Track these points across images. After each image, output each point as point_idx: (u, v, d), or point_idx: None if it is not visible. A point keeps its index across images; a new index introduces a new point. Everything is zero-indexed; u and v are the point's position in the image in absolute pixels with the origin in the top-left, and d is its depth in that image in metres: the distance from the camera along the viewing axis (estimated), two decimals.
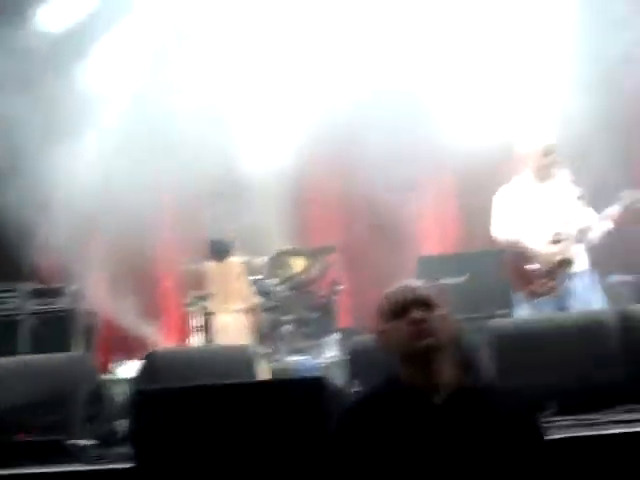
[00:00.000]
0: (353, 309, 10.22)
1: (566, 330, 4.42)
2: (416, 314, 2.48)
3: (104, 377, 8.46)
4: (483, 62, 9.36)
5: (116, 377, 8.86)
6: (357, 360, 4.69)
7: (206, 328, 9.04)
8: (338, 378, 7.00)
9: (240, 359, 4.83)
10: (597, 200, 6.09)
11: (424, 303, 2.51)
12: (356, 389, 4.50)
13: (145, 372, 4.75)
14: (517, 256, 6.20)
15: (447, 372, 2.50)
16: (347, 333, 9.37)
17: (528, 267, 6.03)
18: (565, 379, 4.16)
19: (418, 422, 2.43)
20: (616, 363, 4.38)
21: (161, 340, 10.42)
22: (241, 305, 8.42)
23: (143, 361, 4.93)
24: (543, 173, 6.16)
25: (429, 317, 2.48)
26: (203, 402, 3.27)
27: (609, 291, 8.12)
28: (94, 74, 9.85)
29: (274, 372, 8.18)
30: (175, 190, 9.34)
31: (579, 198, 5.75)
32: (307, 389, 3.26)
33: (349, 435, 2.50)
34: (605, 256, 6.16)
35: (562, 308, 5.90)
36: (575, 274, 6.03)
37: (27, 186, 9.05)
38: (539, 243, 6.09)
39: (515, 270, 6.15)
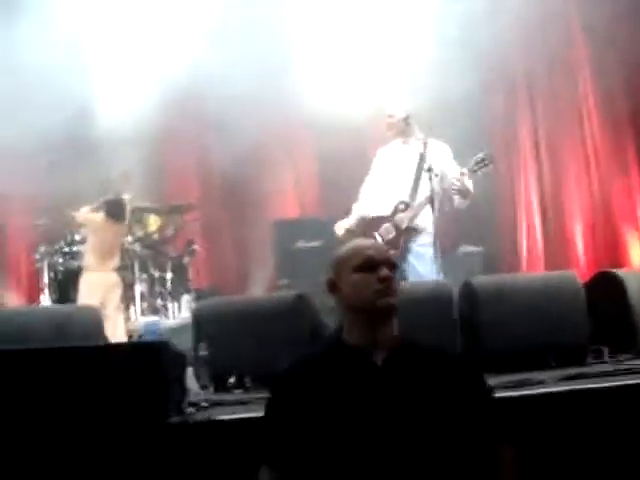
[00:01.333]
0: (208, 270, 10.18)
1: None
2: (386, 272, 2.50)
3: None
4: (345, 32, 9.39)
5: None
6: (203, 323, 4.60)
7: (65, 285, 8.78)
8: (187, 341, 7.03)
9: (87, 320, 4.68)
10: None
11: (390, 262, 2.55)
12: (202, 352, 4.45)
13: None
14: (365, 222, 6.27)
15: (391, 332, 2.53)
16: (201, 294, 9.36)
17: (374, 234, 6.09)
18: None
19: (360, 382, 2.44)
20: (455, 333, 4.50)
21: (11, 298, 10.12)
22: (116, 263, 8.15)
23: None
24: (404, 138, 6.24)
25: (394, 278, 2.53)
26: (34, 365, 3.14)
27: (459, 260, 8.45)
28: None
29: (127, 332, 8.10)
30: (30, 142, 8.94)
31: (426, 170, 5.83)
32: (146, 353, 3.18)
33: (286, 397, 2.48)
34: (456, 227, 6.27)
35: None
36: (417, 243, 6.11)
37: None
38: (386, 210, 6.15)
39: (363, 236, 6.19)
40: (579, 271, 9.26)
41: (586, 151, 9.85)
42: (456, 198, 6.08)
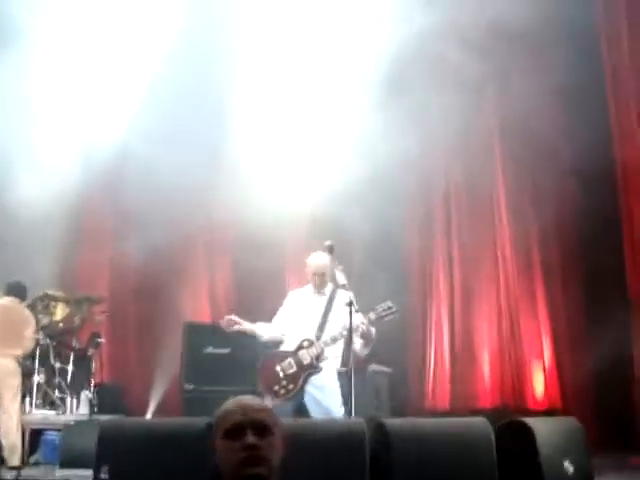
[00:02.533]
0: (112, 365, 9.91)
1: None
2: (251, 439, 2.39)
3: None
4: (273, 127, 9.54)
5: None
6: (107, 444, 4.40)
7: None
8: (82, 439, 6.77)
9: None
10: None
11: (261, 427, 2.43)
12: (104, 476, 4.25)
13: None
14: (269, 356, 6.40)
15: None
16: (103, 389, 9.10)
17: (276, 368, 6.21)
18: None
19: None
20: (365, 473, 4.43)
21: None
22: (18, 352, 7.80)
23: None
24: (317, 288, 6.45)
25: (262, 444, 2.40)
26: None
27: (369, 378, 8.49)
28: None
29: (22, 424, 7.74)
30: None
31: (347, 304, 5.95)
32: None
33: None
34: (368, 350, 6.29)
35: (298, 408, 6.10)
36: (317, 377, 6.22)
37: None
38: (291, 347, 6.31)
39: (265, 369, 6.28)
40: (484, 396, 9.44)
41: (498, 278, 10.09)
42: (358, 343, 6.20)
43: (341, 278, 6.11)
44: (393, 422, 4.72)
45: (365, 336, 6.13)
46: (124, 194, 9.21)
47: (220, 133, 9.48)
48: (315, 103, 9.37)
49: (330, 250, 6.24)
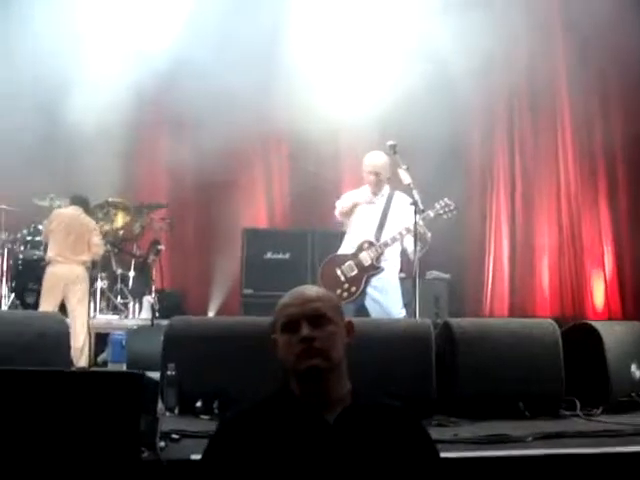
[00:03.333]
0: (172, 272, 10.02)
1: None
2: (306, 331, 2.33)
3: None
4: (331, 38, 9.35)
5: None
6: (174, 342, 4.46)
7: (24, 274, 8.57)
8: (146, 342, 6.90)
9: (47, 328, 4.53)
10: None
11: (317, 318, 2.37)
12: (171, 372, 4.32)
13: None
14: (330, 259, 6.44)
15: (338, 390, 2.38)
16: (163, 295, 9.22)
17: (337, 271, 6.24)
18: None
19: (310, 439, 2.30)
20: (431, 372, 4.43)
21: None
22: (85, 258, 7.94)
23: None
24: (373, 189, 6.40)
25: (320, 335, 2.34)
26: (8, 386, 2.99)
27: (427, 284, 8.46)
28: None
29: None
30: (6, 128, 8.75)
31: (411, 203, 5.89)
32: (122, 384, 3.04)
33: (230, 444, 2.33)
34: (423, 257, 6.26)
35: (359, 311, 6.12)
36: (378, 279, 6.23)
37: None
38: (350, 249, 6.31)
39: (325, 273, 6.35)
40: (543, 305, 9.38)
41: (559, 187, 9.94)
42: (411, 246, 6.15)
43: (406, 177, 6.03)
44: (459, 322, 4.70)
45: (421, 238, 6.07)
46: (179, 102, 9.11)
47: (275, 37, 9.32)
48: (378, 3, 9.15)
49: (393, 150, 6.15)
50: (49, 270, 7.77)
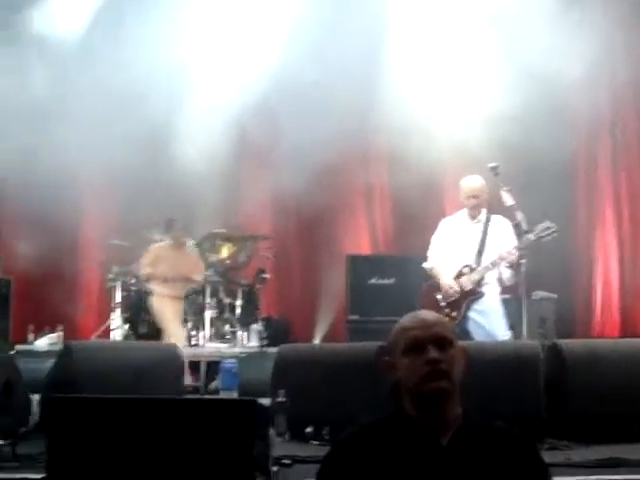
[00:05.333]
0: (277, 300, 10.16)
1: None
2: (433, 354, 2.36)
3: (20, 347, 8.31)
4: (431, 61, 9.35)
5: (32, 349, 8.69)
6: (284, 368, 4.56)
7: (136, 305, 8.90)
8: (255, 369, 7.02)
9: (163, 357, 4.68)
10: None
11: (441, 341, 2.39)
12: (281, 399, 4.41)
13: (62, 365, 4.59)
14: (430, 285, 6.46)
15: (453, 412, 2.40)
16: (270, 322, 9.35)
17: (437, 297, 6.27)
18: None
19: (424, 461, 2.32)
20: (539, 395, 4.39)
21: (80, 313, 10.26)
22: (186, 287, 8.23)
23: (60, 353, 4.75)
24: (471, 213, 6.41)
25: (444, 358, 2.37)
26: (123, 415, 3.12)
27: (533, 305, 8.33)
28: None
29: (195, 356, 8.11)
30: (105, 167, 9.08)
31: (514, 225, 5.88)
32: (237, 411, 3.13)
33: (343, 465, 2.36)
34: (529, 277, 6.20)
35: (460, 335, 6.08)
36: (479, 303, 6.21)
37: None
38: (450, 274, 6.31)
39: (425, 298, 6.37)
40: None
41: None
42: (506, 272, 6.18)
43: (508, 199, 6.00)
44: (568, 343, 4.64)
45: (514, 266, 6.07)
46: (280, 130, 9.29)
47: (375, 57, 9.37)
48: (479, 15, 9.12)
49: (494, 171, 6.13)
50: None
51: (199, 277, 8.54)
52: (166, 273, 8.32)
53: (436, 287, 6.34)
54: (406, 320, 2.49)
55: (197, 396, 7.22)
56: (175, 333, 8.26)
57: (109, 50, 9.26)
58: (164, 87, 9.24)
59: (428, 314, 2.52)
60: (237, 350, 8.49)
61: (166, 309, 8.26)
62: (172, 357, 4.73)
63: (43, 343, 8.80)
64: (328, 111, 8.65)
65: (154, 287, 8.25)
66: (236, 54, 9.79)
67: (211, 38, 9.80)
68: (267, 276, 9.37)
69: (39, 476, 3.18)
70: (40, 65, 9.42)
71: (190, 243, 8.91)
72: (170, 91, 9.35)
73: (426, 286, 6.53)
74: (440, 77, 9.26)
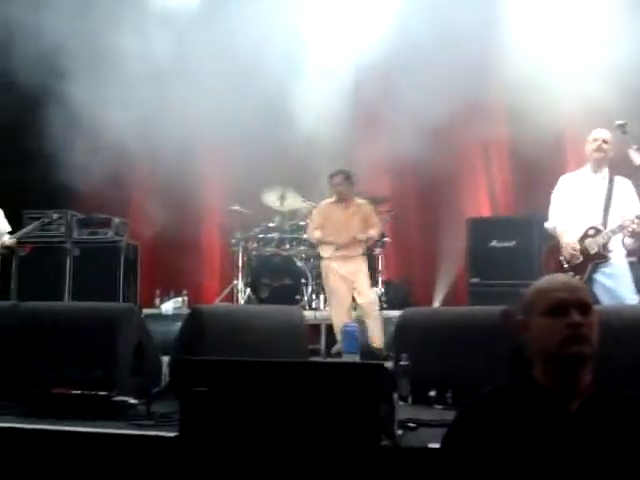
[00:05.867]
0: (397, 263, 10.16)
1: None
2: (576, 317, 2.33)
3: (147, 311, 8.61)
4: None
5: (160, 312, 8.99)
6: (406, 332, 4.57)
7: (258, 270, 9.05)
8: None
9: (288, 321, 4.77)
10: None
11: (584, 306, 2.37)
12: (404, 362, 4.42)
13: (190, 328, 4.72)
14: (552, 247, 6.27)
15: (585, 379, 2.38)
16: (390, 286, 9.38)
17: (560, 258, 6.08)
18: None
19: (552, 427, 2.31)
20: None
21: (204, 278, 10.55)
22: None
23: (188, 317, 4.89)
24: (596, 168, 6.15)
25: (586, 323, 2.35)
26: (251, 376, 3.21)
27: None
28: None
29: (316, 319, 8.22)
30: (225, 132, 9.22)
31: (637, 186, 5.68)
32: (363, 375, 3.16)
33: (470, 431, 2.36)
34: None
35: None
36: (606, 265, 5.99)
37: (75, 114, 9.03)
38: (575, 236, 6.10)
39: (548, 260, 6.21)
40: None
41: None
42: (628, 241, 5.97)
43: (637, 158, 5.79)
44: None
45: (635, 235, 5.86)
46: (395, 96, 9.21)
47: (492, 26, 9.16)
48: None
49: (622, 129, 5.91)
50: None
51: (372, 233, 8.15)
52: (334, 234, 8.07)
53: (559, 248, 6.17)
54: (547, 281, 2.48)
55: (319, 359, 7.35)
56: (368, 295, 7.97)
57: (227, 18, 9.39)
58: (280, 52, 9.32)
59: (570, 278, 2.52)
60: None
61: (336, 273, 7.99)
62: (296, 320, 4.81)
63: (169, 307, 9.08)
64: (444, 69, 8.53)
65: (324, 251, 8.14)
66: (350, 16, 9.78)
67: (326, 7, 9.82)
68: (386, 239, 9.38)
69: (172, 434, 3.32)
70: (161, 34, 9.60)
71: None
72: (286, 55, 9.42)
73: (548, 247, 6.35)
74: (562, 27, 8.94)
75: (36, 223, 8.91)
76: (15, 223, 8.73)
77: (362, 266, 8.04)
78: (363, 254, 8.12)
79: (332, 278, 7.98)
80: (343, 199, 8.12)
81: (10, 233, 8.53)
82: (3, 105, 9.18)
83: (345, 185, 8.07)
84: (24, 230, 8.78)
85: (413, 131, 8.59)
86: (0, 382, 4.46)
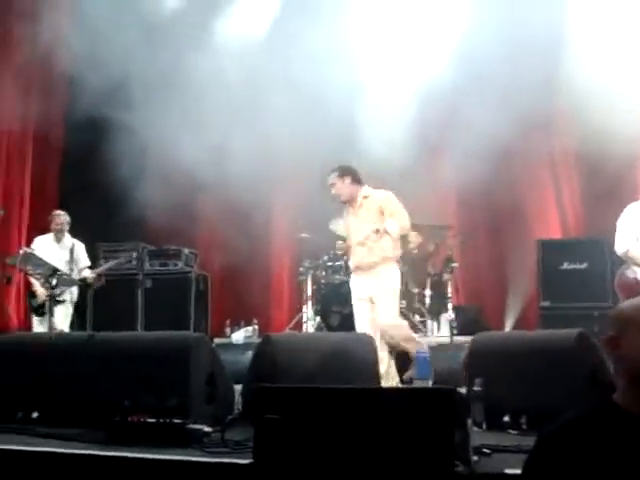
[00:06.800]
0: (466, 288, 10.07)
1: None
2: None
3: (218, 341, 8.69)
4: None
5: (230, 341, 9.05)
6: (479, 357, 4.52)
7: (327, 297, 9.04)
8: (447, 359, 6.99)
9: (358, 347, 4.77)
10: None
11: None
12: (477, 388, 4.38)
13: (262, 356, 4.76)
14: (626, 270, 6.30)
15: None
16: (460, 311, 9.29)
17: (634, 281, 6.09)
18: None
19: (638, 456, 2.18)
20: None
21: (273, 307, 10.60)
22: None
23: (259, 345, 4.93)
24: None
25: None
26: (324, 404, 3.23)
27: None
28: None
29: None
30: (292, 161, 9.30)
31: None
32: (436, 399, 3.15)
33: (553, 461, 2.24)
34: None
35: None
36: None
37: (146, 146, 9.20)
38: None
39: (623, 283, 6.22)
40: None
41: None
42: None
43: None
44: None
45: None
46: (458, 122, 9.17)
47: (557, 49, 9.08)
48: None
49: None
50: None
51: (387, 224, 6.92)
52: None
53: (633, 271, 6.10)
54: None
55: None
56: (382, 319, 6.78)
57: (292, 47, 9.48)
58: (345, 79, 9.36)
59: None
60: (427, 340, 8.47)
61: (355, 293, 7.24)
62: (367, 346, 4.81)
63: (239, 336, 9.12)
64: (511, 88, 8.47)
65: None
66: (415, 40, 9.78)
67: (389, 23, 9.83)
68: (456, 265, 9.31)
69: (247, 461, 3.34)
70: (231, 64, 9.71)
71: None
72: (351, 82, 9.48)
73: (623, 270, 6.28)
74: (633, 44, 8.79)
75: (117, 261, 9.13)
76: (90, 255, 8.97)
77: (380, 280, 6.75)
78: (387, 262, 6.79)
79: (353, 299, 7.04)
80: (346, 200, 7.12)
81: (90, 267, 8.81)
82: (76, 139, 9.43)
83: (340, 183, 7.03)
84: (105, 266, 9.05)
85: (480, 152, 8.55)
86: (78, 410, 4.55)
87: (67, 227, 8.95)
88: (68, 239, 8.94)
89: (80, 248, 8.94)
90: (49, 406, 4.69)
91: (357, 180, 7.02)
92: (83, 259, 8.92)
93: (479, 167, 8.64)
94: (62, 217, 8.96)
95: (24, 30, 9.65)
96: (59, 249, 8.77)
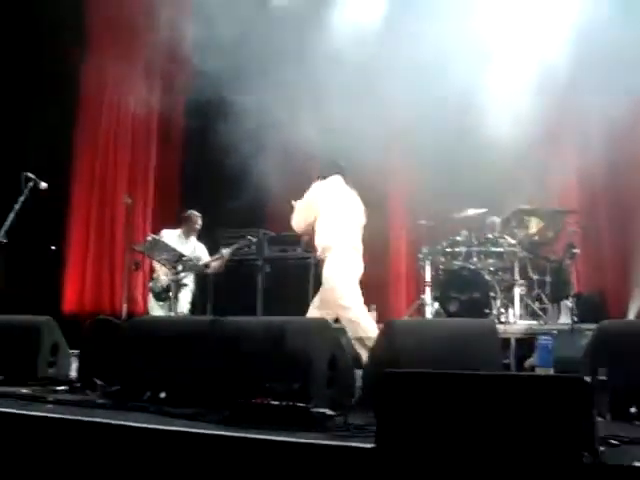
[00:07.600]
0: (587, 275, 9.83)
1: None
2: None
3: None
4: None
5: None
6: (605, 345, 4.41)
7: (446, 283, 9.01)
8: (568, 346, 6.85)
9: (481, 333, 4.74)
10: None
11: None
12: (602, 377, 4.28)
13: (383, 342, 4.79)
14: None
15: None
16: (582, 298, 9.09)
17: None
18: None
19: None
20: None
21: (392, 293, 10.62)
22: None
23: (382, 331, 4.96)
24: None
25: None
26: (448, 389, 3.23)
27: None
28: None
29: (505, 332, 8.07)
30: (411, 145, 9.26)
31: None
32: (563, 388, 3.10)
33: None
34: None
35: None
36: None
37: (264, 133, 9.30)
38: None
39: None
40: None
41: None
42: None
43: None
44: None
45: None
46: (581, 93, 8.92)
47: None
48: None
49: None
50: None
51: None
52: None
53: None
54: None
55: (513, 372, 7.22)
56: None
57: (409, 33, 9.40)
58: (464, 62, 9.24)
59: None
60: (547, 327, 8.33)
61: None
62: (490, 333, 4.76)
63: None
64: (631, 72, 8.21)
65: None
66: (533, 19, 9.58)
67: (509, 4, 9.66)
68: (577, 251, 9.10)
69: (369, 445, 3.37)
70: (349, 49, 9.70)
71: None
72: (470, 66, 9.34)
73: None
74: None
75: (236, 245, 9.32)
76: (212, 242, 9.20)
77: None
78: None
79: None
80: None
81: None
82: (195, 125, 9.56)
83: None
84: (227, 251, 9.18)
85: (600, 135, 8.33)
86: (203, 392, 4.69)
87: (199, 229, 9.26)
88: (193, 240, 9.26)
89: (201, 249, 9.29)
90: (175, 387, 4.84)
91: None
92: (204, 259, 9.25)
93: (600, 151, 8.43)
94: (200, 219, 9.30)
95: (148, 21, 9.92)
96: (182, 245, 9.04)
